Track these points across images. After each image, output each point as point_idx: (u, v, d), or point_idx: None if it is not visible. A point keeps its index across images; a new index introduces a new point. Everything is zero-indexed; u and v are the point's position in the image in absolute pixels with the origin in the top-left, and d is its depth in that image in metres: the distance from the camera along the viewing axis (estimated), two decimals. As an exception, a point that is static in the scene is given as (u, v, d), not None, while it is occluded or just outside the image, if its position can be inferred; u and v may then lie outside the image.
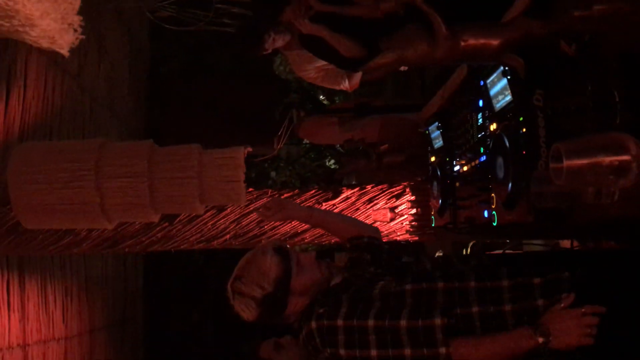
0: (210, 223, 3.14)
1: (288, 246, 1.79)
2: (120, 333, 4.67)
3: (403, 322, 1.51)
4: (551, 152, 1.13)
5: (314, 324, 1.61)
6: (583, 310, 1.46)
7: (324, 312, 1.61)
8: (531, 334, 1.47)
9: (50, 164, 2.44)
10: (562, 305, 1.48)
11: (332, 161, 5.51)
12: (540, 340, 1.45)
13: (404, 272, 1.71)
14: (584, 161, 1.07)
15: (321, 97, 5.57)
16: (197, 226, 3.13)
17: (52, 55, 3.49)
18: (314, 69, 3.02)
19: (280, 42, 2.86)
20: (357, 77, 3.13)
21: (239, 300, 1.71)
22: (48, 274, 3.64)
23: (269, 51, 2.94)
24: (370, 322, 1.54)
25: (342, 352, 1.56)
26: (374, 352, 1.53)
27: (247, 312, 1.70)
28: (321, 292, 1.71)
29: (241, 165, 2.49)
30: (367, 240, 1.90)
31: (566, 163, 1.07)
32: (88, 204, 2.48)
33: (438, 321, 1.49)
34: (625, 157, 1.04)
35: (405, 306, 1.54)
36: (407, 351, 1.50)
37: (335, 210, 3.12)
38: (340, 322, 1.57)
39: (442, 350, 1.48)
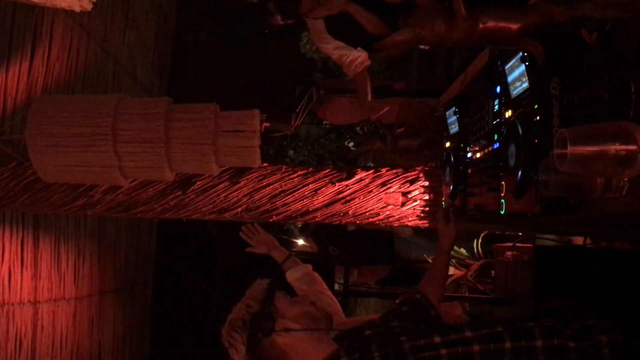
0: (223, 195, 3.15)
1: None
2: (129, 297, 4.75)
3: None
4: (556, 138, 1.11)
5: None
6: None
7: None
8: None
9: (67, 126, 2.46)
10: None
11: (352, 143, 5.49)
12: None
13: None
14: (589, 148, 1.05)
15: (347, 78, 5.53)
16: (210, 197, 3.15)
17: (78, 17, 3.52)
18: (332, 39, 3.00)
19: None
20: (361, 62, 3.14)
21: (227, 331, 1.84)
22: (62, 234, 3.70)
23: (280, 23, 2.92)
24: None
25: None
26: None
27: (236, 341, 1.82)
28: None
29: (256, 131, 2.49)
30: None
31: (570, 149, 1.05)
32: (106, 167, 2.51)
33: None
34: (632, 147, 1.02)
35: None
36: None
37: (348, 192, 3.12)
38: None
39: None
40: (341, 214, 3.15)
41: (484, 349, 1.64)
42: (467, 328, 1.70)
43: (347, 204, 3.13)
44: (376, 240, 4.72)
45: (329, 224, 3.22)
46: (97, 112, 2.48)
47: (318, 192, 3.12)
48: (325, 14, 2.97)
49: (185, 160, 2.57)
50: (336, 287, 4.12)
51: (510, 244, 2.99)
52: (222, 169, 2.91)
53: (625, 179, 1.24)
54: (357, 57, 3.15)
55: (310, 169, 3.16)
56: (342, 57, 3.21)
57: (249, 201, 3.14)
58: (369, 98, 3.25)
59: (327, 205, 3.14)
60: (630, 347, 1.62)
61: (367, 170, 3.13)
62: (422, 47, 3.13)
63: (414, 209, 3.05)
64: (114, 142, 2.43)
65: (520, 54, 1.66)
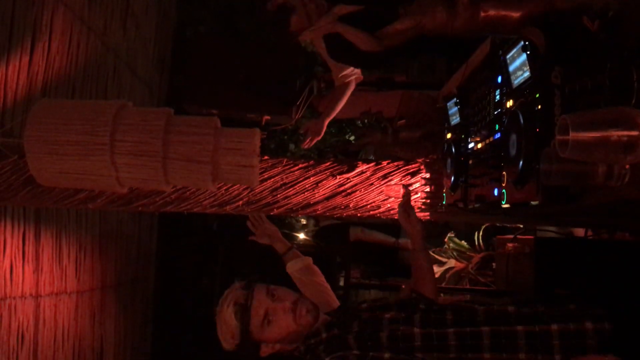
0: (224, 188, 3.15)
1: (253, 295, 1.80)
2: (131, 292, 4.75)
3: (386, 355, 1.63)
4: (558, 124, 1.10)
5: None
6: None
7: None
8: None
9: (65, 134, 2.43)
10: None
11: (353, 137, 5.48)
12: None
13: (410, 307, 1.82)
14: (591, 134, 1.04)
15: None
16: (211, 190, 3.15)
17: (78, 11, 3.51)
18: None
19: None
20: (348, 75, 3.17)
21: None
22: (63, 228, 3.70)
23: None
24: None
25: None
26: None
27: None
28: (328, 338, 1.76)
29: (256, 151, 2.47)
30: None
31: (572, 135, 1.05)
32: (103, 176, 2.50)
33: None
34: (634, 133, 1.01)
35: None
36: None
37: (349, 184, 3.12)
38: None
39: None
40: (342, 207, 3.15)
41: (459, 331, 1.65)
42: (449, 311, 1.72)
43: (348, 196, 3.13)
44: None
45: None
46: (97, 121, 2.45)
47: (319, 185, 3.11)
48: (313, 37, 2.99)
49: (182, 177, 2.56)
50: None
51: (511, 236, 3.00)
52: (219, 185, 2.92)
53: (627, 167, 1.24)
54: (351, 67, 3.17)
55: (311, 162, 3.15)
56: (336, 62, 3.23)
57: (250, 194, 3.14)
58: (333, 114, 3.28)
59: (328, 198, 3.13)
60: (619, 336, 1.62)
61: (368, 163, 3.13)
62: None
63: (415, 201, 3.05)
64: (112, 153, 2.41)
65: (522, 42, 1.66)
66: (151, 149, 2.40)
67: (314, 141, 3.34)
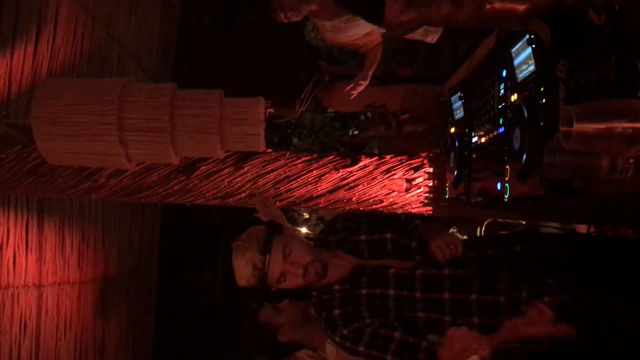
0: (227, 180, 3.15)
1: (270, 259, 1.93)
2: (133, 282, 4.76)
3: (397, 334, 1.84)
4: (562, 115, 1.10)
5: (341, 329, 1.91)
6: None
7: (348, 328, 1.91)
8: None
9: (71, 113, 2.44)
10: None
11: (357, 132, 5.48)
12: None
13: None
14: (595, 126, 1.04)
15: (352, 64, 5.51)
16: (214, 182, 3.15)
17: (83, 2, 3.51)
18: (346, 39, 3.01)
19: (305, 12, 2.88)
20: (372, 41, 3.14)
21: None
22: (66, 218, 3.71)
23: (284, 21, 2.94)
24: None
25: (361, 349, 1.88)
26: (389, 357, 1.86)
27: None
28: (341, 292, 1.96)
29: (261, 119, 2.48)
30: None
31: (576, 126, 1.04)
32: (112, 155, 2.51)
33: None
34: (638, 125, 1.01)
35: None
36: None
37: (352, 178, 3.12)
38: (362, 348, 1.88)
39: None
40: (345, 201, 3.15)
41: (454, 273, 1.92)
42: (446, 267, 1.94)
43: (351, 190, 3.13)
44: None
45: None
46: (103, 100, 2.45)
47: (322, 178, 3.11)
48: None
49: (190, 148, 2.57)
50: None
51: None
52: (227, 153, 2.92)
53: (631, 160, 1.23)
54: (370, 39, 3.15)
55: (314, 155, 3.15)
56: (354, 43, 3.21)
57: (252, 187, 3.14)
58: (373, 66, 3.22)
59: (330, 192, 3.14)
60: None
61: (371, 157, 3.13)
62: (429, 40, 3.13)
63: (418, 195, 3.05)
64: (119, 131, 2.42)
65: (527, 36, 1.65)
66: (158, 124, 2.42)
67: (362, 87, 3.29)
